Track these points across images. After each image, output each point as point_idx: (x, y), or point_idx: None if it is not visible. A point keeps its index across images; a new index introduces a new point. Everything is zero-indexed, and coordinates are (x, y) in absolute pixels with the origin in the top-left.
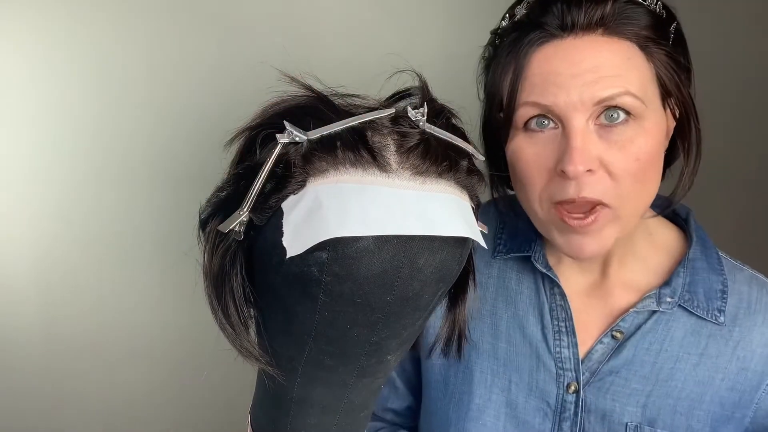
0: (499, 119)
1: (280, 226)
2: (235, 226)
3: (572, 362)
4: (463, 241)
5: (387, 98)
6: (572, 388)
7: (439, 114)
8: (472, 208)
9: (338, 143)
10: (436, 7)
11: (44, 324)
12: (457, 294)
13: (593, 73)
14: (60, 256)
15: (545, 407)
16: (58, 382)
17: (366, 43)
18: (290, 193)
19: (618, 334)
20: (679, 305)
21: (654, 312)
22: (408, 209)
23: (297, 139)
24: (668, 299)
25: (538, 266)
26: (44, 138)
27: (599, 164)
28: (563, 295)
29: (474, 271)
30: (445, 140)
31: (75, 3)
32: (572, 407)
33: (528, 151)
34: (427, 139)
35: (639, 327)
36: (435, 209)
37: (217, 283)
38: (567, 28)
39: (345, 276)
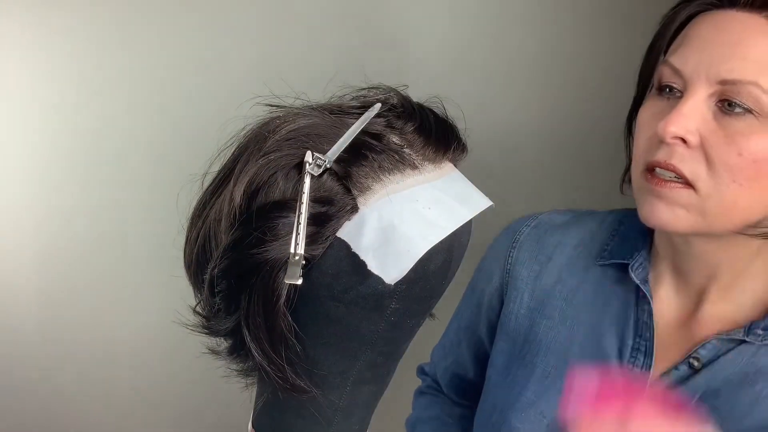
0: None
1: (344, 256)
2: (301, 273)
3: None
4: None
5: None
6: None
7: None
8: None
9: (369, 155)
10: (437, 6)
11: (44, 324)
12: None
13: (731, 49)
14: (60, 257)
15: None
16: (57, 382)
17: (366, 41)
18: (344, 221)
19: (695, 362)
20: None
21: (742, 342)
22: (451, 197)
23: (319, 162)
24: (759, 331)
25: (633, 276)
26: (44, 139)
27: (699, 142)
28: (651, 314)
29: None
30: (434, 121)
31: (74, 3)
32: None
33: (648, 112)
34: (422, 123)
35: (720, 355)
36: (464, 189)
37: (273, 338)
38: (732, 1)
39: (417, 278)
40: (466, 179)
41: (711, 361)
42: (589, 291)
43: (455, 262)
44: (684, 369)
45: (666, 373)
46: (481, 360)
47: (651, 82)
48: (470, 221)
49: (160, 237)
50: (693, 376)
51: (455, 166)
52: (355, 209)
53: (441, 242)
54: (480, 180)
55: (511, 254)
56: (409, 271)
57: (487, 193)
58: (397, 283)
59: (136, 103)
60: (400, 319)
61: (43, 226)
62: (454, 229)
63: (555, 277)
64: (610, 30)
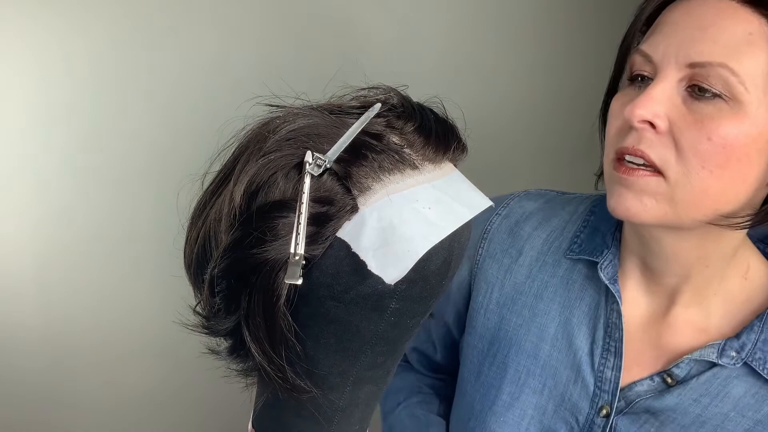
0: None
1: (344, 256)
2: (301, 273)
3: (611, 385)
4: None
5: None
6: (604, 411)
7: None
8: None
9: (369, 155)
10: (437, 7)
11: (44, 324)
12: None
13: (701, 32)
14: (60, 257)
15: (573, 422)
16: (57, 381)
17: (365, 41)
18: (344, 221)
19: (670, 380)
20: (746, 363)
21: (716, 364)
22: (451, 197)
23: (319, 162)
24: (733, 353)
25: (602, 276)
26: (44, 138)
27: (668, 128)
28: (619, 314)
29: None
30: (434, 121)
31: (73, 3)
32: (599, 431)
33: (619, 101)
34: (422, 123)
35: (693, 376)
36: (464, 189)
37: (273, 338)
38: None
39: (417, 278)
40: (466, 179)
41: (682, 380)
42: (559, 286)
43: (455, 262)
44: (658, 381)
45: (639, 381)
46: (449, 346)
47: (624, 72)
48: (470, 221)
49: (160, 237)
50: (664, 393)
51: (455, 166)
52: (355, 209)
53: (441, 242)
54: (479, 180)
55: (481, 245)
56: (409, 271)
57: (487, 193)
58: (397, 283)
59: (136, 103)
60: (400, 319)
61: (42, 227)
62: (454, 229)
63: (525, 272)
64: (617, 29)
